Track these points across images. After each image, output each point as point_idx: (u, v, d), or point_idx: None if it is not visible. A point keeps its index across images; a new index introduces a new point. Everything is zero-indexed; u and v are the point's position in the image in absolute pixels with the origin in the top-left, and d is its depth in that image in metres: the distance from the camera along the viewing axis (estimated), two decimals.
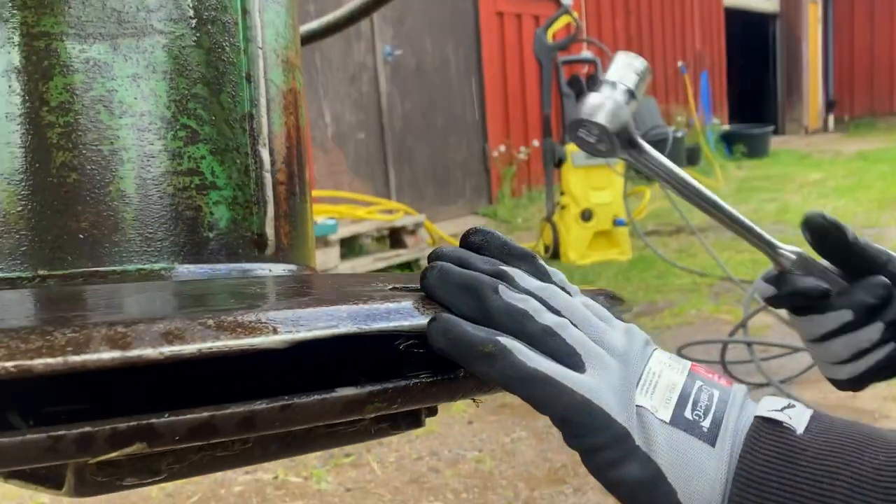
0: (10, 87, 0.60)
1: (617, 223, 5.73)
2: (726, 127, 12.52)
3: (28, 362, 0.34)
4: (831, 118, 15.85)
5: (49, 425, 0.36)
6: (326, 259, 5.03)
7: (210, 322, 0.38)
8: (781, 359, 3.15)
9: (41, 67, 0.60)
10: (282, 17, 0.69)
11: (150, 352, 0.35)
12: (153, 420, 0.36)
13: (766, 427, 0.41)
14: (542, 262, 0.47)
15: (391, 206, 6.19)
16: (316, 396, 0.40)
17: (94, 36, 0.61)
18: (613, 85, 0.63)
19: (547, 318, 0.41)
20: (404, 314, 0.42)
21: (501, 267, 0.44)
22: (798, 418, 0.41)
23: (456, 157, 8.05)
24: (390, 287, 0.50)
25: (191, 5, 0.62)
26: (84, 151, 0.60)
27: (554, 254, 5.87)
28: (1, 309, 0.47)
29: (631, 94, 0.63)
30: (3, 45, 0.60)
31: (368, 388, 0.41)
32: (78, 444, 0.35)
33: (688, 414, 0.41)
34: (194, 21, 0.62)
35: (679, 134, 9.21)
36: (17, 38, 0.60)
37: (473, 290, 0.42)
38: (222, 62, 0.63)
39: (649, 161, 0.64)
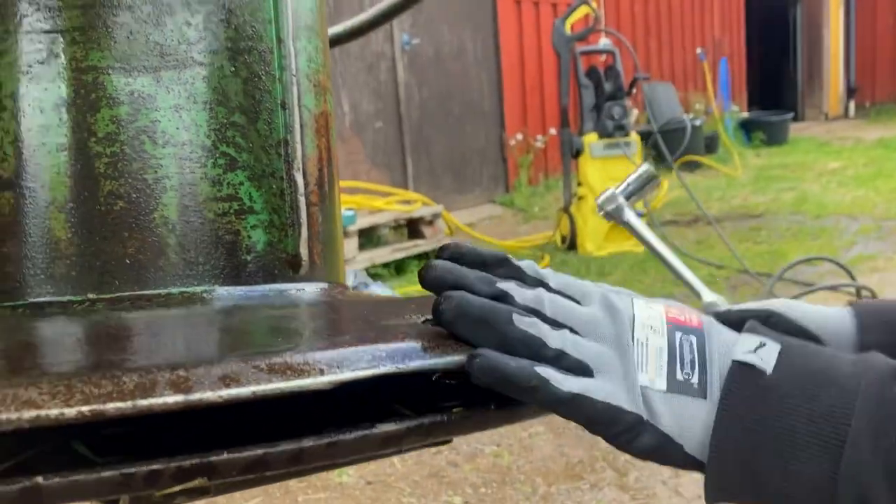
0: (60, 119, 0.63)
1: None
2: (745, 114, 12.43)
3: (101, 407, 0.37)
4: (852, 104, 15.67)
5: (102, 450, 0.39)
6: (345, 250, 5.07)
7: (262, 365, 0.41)
8: None
9: (89, 100, 0.63)
10: (314, 43, 0.72)
11: (210, 395, 0.39)
12: (213, 458, 0.39)
13: (742, 371, 0.48)
14: (513, 260, 0.53)
15: (409, 197, 6.22)
16: (358, 433, 0.43)
17: (138, 69, 0.64)
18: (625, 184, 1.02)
19: (555, 340, 0.48)
20: (440, 352, 0.45)
21: (497, 285, 0.50)
22: (768, 357, 0.48)
23: (473, 145, 8.06)
24: (423, 319, 0.53)
25: (228, 36, 0.65)
26: (129, 180, 0.63)
27: (571, 244, 5.88)
28: (69, 347, 0.51)
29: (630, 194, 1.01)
30: (54, 79, 0.63)
31: (406, 424, 0.44)
32: (146, 480, 0.38)
33: (679, 376, 0.48)
34: (232, 52, 0.65)
35: (697, 122, 9.16)
36: (66, 73, 0.63)
37: (491, 323, 0.47)
38: (259, 90, 0.66)
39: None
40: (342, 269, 0.79)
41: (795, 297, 3.29)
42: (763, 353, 0.49)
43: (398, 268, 5.56)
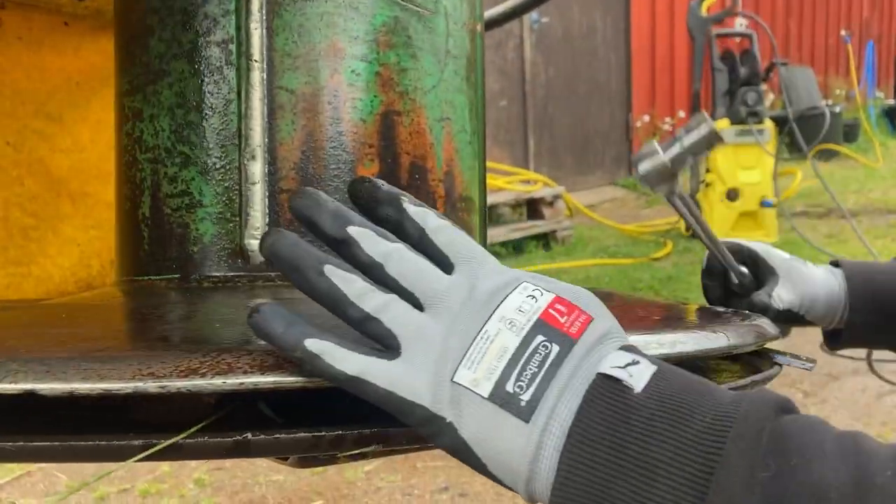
0: None
1: (764, 204, 5.55)
2: (891, 101, 11.70)
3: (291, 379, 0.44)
4: None
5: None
6: None
7: None
8: None
9: None
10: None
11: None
12: (389, 428, 0.45)
13: (605, 385, 0.41)
14: (408, 203, 0.47)
15: (531, 177, 6.23)
16: None
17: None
18: (673, 142, 0.78)
19: (368, 302, 0.43)
20: None
21: (348, 229, 0.45)
22: (639, 376, 0.41)
23: (597, 126, 7.97)
24: None
25: (189, 39, 0.66)
26: None
27: (695, 233, 5.75)
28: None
29: (682, 157, 0.77)
30: None
31: None
32: (332, 443, 0.45)
33: (509, 386, 0.41)
34: (190, 52, 0.66)
35: (836, 109, 8.71)
36: None
37: (298, 271, 0.44)
38: (215, 84, 0.65)
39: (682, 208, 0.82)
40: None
41: None
42: (634, 370, 0.41)
43: (516, 247, 5.60)
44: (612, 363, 0.42)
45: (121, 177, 0.73)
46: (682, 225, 5.88)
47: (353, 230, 0.45)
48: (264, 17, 0.65)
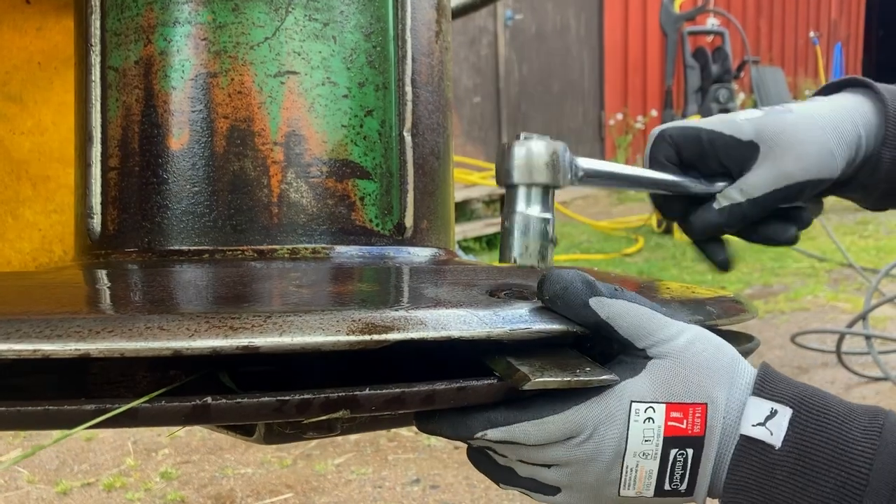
0: None
1: None
2: None
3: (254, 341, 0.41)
4: None
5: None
6: None
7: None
8: None
9: None
10: None
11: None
12: (357, 392, 0.43)
13: (749, 446, 0.48)
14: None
15: None
16: (486, 381, 0.47)
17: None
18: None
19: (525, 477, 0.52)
20: (546, 319, 0.49)
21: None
22: (778, 429, 0.47)
23: (570, 123, 7.99)
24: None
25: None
26: None
27: (667, 229, 5.78)
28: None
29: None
30: None
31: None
32: (298, 408, 0.43)
33: (667, 486, 0.49)
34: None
35: None
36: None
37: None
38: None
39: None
40: (452, 236, 0.82)
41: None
42: (773, 424, 0.48)
43: (489, 242, 5.60)
44: (753, 419, 0.48)
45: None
46: (654, 221, 5.91)
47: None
48: (99, 0, 0.66)
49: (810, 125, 0.65)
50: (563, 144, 0.52)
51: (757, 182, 0.67)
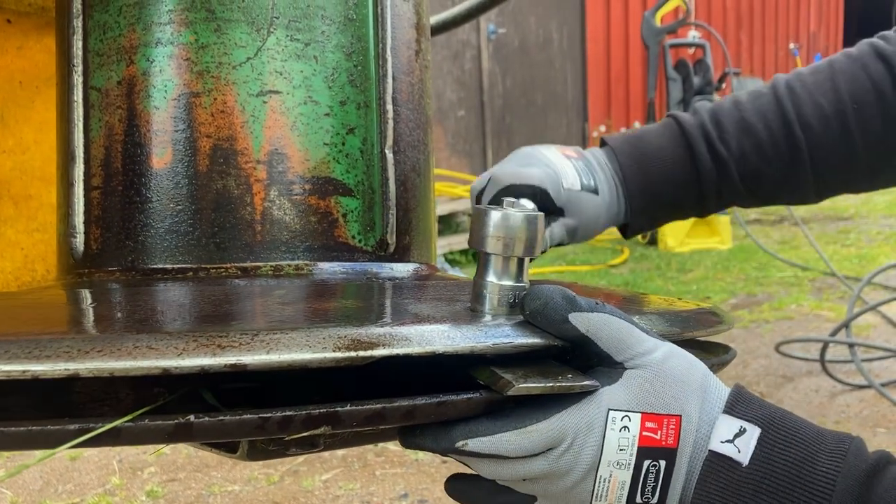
0: None
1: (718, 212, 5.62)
2: None
3: (242, 359, 0.42)
4: None
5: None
6: None
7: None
8: (885, 361, 3.07)
9: None
10: None
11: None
12: (338, 408, 0.44)
13: (717, 463, 0.49)
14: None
15: None
16: (465, 396, 0.47)
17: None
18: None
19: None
20: (526, 333, 0.49)
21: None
22: (745, 448, 0.49)
23: (554, 136, 8.02)
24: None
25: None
26: None
27: (651, 239, 5.82)
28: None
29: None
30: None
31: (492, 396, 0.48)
32: (280, 424, 0.43)
33: (638, 499, 0.50)
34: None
35: None
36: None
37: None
38: None
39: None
40: (434, 251, 0.82)
41: (883, 303, 3.19)
42: (741, 441, 0.49)
43: (475, 254, 5.60)
44: (722, 436, 0.49)
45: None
46: None
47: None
48: (81, 21, 0.67)
49: (591, 202, 0.86)
50: (541, 215, 0.51)
51: (557, 231, 0.84)
